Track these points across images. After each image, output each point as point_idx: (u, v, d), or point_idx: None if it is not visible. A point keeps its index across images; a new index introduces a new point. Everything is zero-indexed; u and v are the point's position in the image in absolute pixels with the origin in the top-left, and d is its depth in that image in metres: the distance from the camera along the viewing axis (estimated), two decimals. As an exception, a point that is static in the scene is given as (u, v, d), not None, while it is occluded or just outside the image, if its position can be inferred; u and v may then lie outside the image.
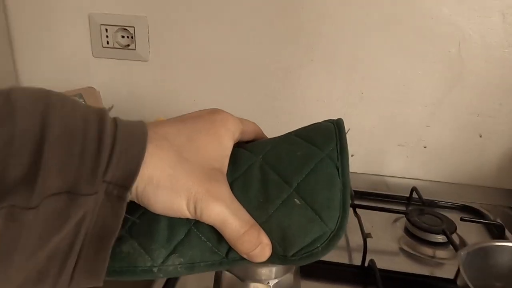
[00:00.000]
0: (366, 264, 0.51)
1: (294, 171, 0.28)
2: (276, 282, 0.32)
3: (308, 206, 0.27)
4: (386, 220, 0.66)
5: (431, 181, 0.78)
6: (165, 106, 0.81)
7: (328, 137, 0.30)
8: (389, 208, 0.65)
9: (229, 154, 0.29)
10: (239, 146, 0.31)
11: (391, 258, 0.58)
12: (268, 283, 0.32)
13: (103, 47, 0.77)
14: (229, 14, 0.73)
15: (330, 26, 0.71)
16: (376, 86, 0.73)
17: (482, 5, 0.66)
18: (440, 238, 0.59)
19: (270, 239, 0.27)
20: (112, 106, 0.77)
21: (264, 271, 0.32)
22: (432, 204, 0.69)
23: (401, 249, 0.59)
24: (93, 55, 0.79)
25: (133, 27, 0.75)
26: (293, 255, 0.26)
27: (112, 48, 0.77)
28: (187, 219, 0.26)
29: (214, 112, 0.29)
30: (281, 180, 0.28)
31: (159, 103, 0.81)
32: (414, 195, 0.70)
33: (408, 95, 0.73)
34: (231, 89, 0.78)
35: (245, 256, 0.26)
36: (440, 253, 0.58)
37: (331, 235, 0.26)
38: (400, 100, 0.74)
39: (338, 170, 0.28)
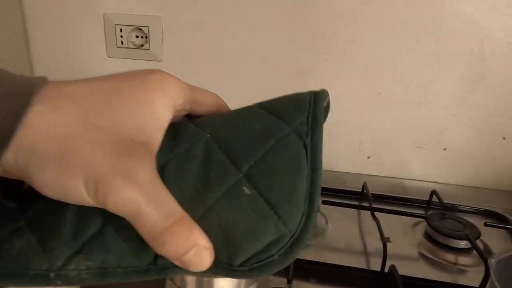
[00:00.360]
0: (386, 270, 0.49)
1: (247, 150, 0.22)
2: None
3: (261, 197, 0.20)
4: (405, 225, 0.63)
5: (451, 184, 0.75)
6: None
7: (299, 108, 0.24)
8: (409, 212, 0.63)
9: (164, 126, 0.22)
10: (190, 120, 0.25)
11: (411, 263, 0.55)
12: None
13: (117, 47, 0.77)
14: (244, 14, 0.72)
15: (346, 26, 0.69)
16: (393, 87, 0.72)
17: (506, 2, 0.63)
18: (463, 244, 0.56)
19: (210, 241, 0.20)
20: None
21: (222, 284, 0.24)
22: (453, 208, 0.67)
23: (421, 255, 0.57)
24: (107, 55, 0.79)
25: (147, 27, 0.75)
26: (240, 265, 0.20)
27: (127, 48, 0.77)
28: (102, 209, 0.19)
29: (150, 71, 0.23)
30: (229, 161, 0.21)
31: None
32: (434, 199, 0.68)
33: (427, 96, 0.71)
34: (246, 90, 0.77)
35: (176, 263, 0.19)
36: (463, 259, 0.56)
37: (292, 239, 0.20)
38: (419, 101, 0.72)
39: (306, 149, 0.22)
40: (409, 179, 0.76)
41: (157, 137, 0.21)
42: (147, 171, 0.19)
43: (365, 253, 0.57)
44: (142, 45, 0.77)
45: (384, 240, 0.52)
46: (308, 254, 0.52)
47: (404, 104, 0.72)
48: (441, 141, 0.73)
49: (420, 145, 0.74)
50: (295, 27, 0.71)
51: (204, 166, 0.21)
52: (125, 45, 0.77)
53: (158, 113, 0.21)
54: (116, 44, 0.77)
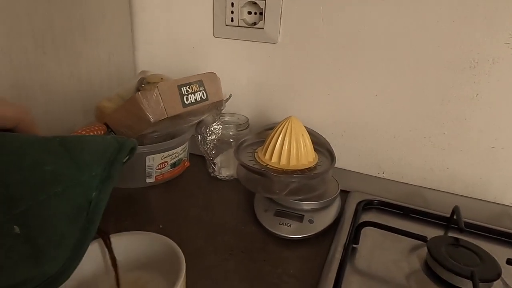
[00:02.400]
0: None
1: (28, 188, 0.21)
2: None
3: (31, 238, 0.20)
4: (404, 247, 0.49)
5: None
6: (293, 99, 0.66)
7: (100, 157, 0.23)
8: (407, 232, 0.47)
9: None
10: None
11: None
12: None
13: (226, 25, 0.66)
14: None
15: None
16: None
17: None
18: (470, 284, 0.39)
19: None
20: (230, 96, 0.66)
21: None
22: (473, 227, 0.52)
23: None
24: (213, 35, 0.68)
25: (264, 0, 0.61)
26: None
27: (237, 26, 0.65)
28: None
29: None
30: (5, 196, 0.20)
31: (287, 95, 0.66)
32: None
33: None
34: (386, 85, 0.59)
35: None
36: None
37: (49, 279, 0.20)
38: None
39: (90, 203, 0.22)
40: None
41: None
42: None
43: None
44: (255, 24, 0.64)
45: None
46: None
47: None
48: None
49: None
50: (470, 3, 0.50)
51: None
52: (235, 22, 0.65)
53: None
54: (225, 22, 0.66)
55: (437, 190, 0.60)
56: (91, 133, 0.48)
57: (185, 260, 0.45)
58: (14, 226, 0.20)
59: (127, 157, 0.25)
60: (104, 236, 0.29)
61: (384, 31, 0.56)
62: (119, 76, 0.73)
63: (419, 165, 0.61)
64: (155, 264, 0.30)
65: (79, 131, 0.48)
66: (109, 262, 0.29)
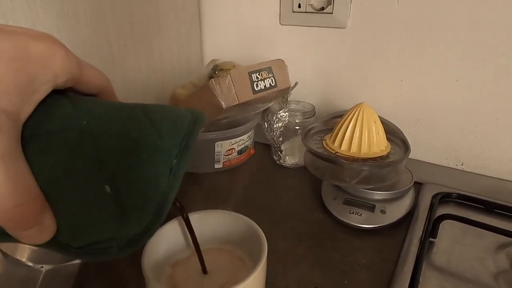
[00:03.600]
0: None
1: (117, 153, 0.22)
2: (53, 268, 0.25)
3: (119, 199, 0.21)
4: (488, 244, 0.45)
5: None
6: (362, 86, 0.64)
7: (177, 128, 0.24)
8: (495, 227, 0.42)
9: (37, 100, 0.21)
10: (66, 95, 0.24)
11: None
12: (42, 267, 0.25)
13: (293, 11, 0.65)
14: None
15: None
16: None
17: None
18: None
19: (56, 222, 0.20)
20: (296, 83, 0.65)
21: (40, 254, 0.24)
22: None
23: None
24: (280, 23, 0.68)
25: (334, -16, 0.60)
26: (79, 247, 0.21)
27: (304, 12, 0.64)
28: None
29: (38, 36, 0.20)
30: (97, 159, 0.21)
31: (355, 82, 0.64)
32: None
33: None
34: (468, 69, 0.54)
35: (11, 233, 0.19)
36: None
37: (135, 237, 0.21)
38: None
39: (171, 170, 0.23)
40: None
41: (27, 108, 0.20)
42: (7, 141, 0.18)
43: None
44: (323, 8, 0.62)
45: None
46: None
47: None
48: None
49: None
50: None
51: (72, 155, 0.21)
52: (302, 9, 0.64)
53: (34, 86, 0.20)
54: (292, 9, 0.65)
55: (528, 185, 0.54)
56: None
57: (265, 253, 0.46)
58: (105, 186, 0.21)
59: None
60: (181, 209, 0.30)
61: (466, 10, 0.51)
62: (188, 66, 0.76)
63: (506, 157, 0.55)
64: (236, 240, 0.31)
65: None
66: (189, 236, 0.30)
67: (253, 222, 0.31)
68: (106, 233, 0.21)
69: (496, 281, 0.40)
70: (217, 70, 0.55)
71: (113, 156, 0.22)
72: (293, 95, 0.67)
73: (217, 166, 0.63)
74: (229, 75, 0.48)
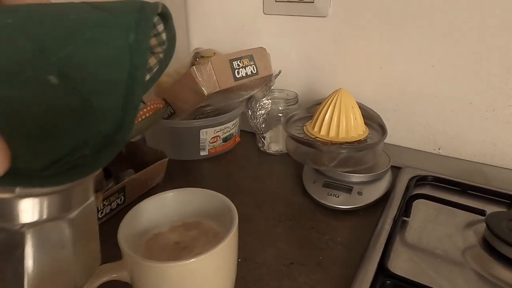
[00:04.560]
0: None
1: (58, 39, 0.18)
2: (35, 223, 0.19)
3: (73, 89, 0.17)
4: (460, 222, 0.47)
5: None
6: (343, 73, 0.65)
7: (129, 6, 0.20)
8: (464, 205, 0.45)
9: None
10: None
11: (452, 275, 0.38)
12: (22, 226, 0.19)
13: (276, 1, 0.66)
14: None
15: None
16: None
17: None
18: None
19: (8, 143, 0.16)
20: (279, 72, 0.67)
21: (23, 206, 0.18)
22: None
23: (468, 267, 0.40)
24: (264, 12, 0.69)
25: (314, -27, 0.61)
26: (45, 168, 0.17)
27: (286, 2, 0.65)
28: None
29: None
30: (34, 47, 0.17)
31: (337, 69, 0.66)
32: None
33: None
34: (444, 54, 0.56)
35: None
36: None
37: (108, 135, 0.18)
38: None
39: (130, 45, 0.19)
40: None
41: None
42: None
43: None
44: (305, -2, 0.64)
45: None
46: None
47: None
48: None
49: None
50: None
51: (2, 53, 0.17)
52: (285, -2, 0.65)
53: None
54: (275, -2, 0.66)
55: (501, 167, 0.56)
56: (150, 107, 0.52)
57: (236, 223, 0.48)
58: (50, 77, 0.17)
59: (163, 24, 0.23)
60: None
61: (444, -3, 0.53)
62: (176, 57, 0.76)
63: (480, 141, 0.57)
64: (211, 215, 0.33)
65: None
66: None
67: (226, 198, 0.33)
68: (71, 137, 0.18)
69: (463, 255, 0.42)
70: (198, 58, 0.56)
71: (52, 42, 0.18)
72: (277, 84, 0.68)
73: (202, 153, 0.65)
74: (210, 62, 0.49)
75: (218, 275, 0.28)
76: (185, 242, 0.30)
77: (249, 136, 0.73)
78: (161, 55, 0.23)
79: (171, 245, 0.30)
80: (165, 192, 0.34)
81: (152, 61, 0.24)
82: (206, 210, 0.33)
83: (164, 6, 0.22)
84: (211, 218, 0.33)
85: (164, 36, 0.23)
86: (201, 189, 0.34)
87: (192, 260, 0.25)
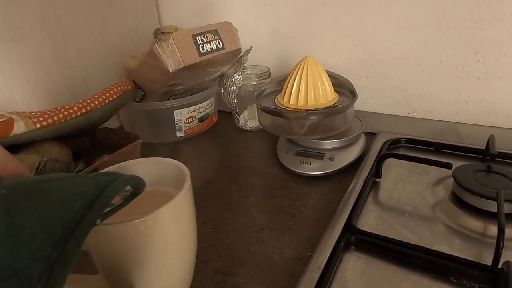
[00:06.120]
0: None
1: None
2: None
3: None
4: (430, 179, 0.47)
5: None
6: (314, 43, 0.65)
7: (56, 222, 0.17)
8: (430, 160, 0.45)
9: None
10: None
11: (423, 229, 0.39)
12: None
13: (242, -24, 0.66)
14: None
15: None
16: None
17: None
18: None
19: None
20: (251, 48, 0.66)
21: None
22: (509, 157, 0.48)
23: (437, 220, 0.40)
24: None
25: None
26: None
27: (252, -24, 0.65)
28: None
29: None
30: None
31: (307, 40, 0.65)
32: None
33: None
34: (410, 15, 0.55)
35: None
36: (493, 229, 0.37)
37: None
38: None
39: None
40: None
41: None
42: None
43: None
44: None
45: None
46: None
47: None
48: None
49: None
50: None
51: None
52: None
53: None
54: (241, -27, 0.65)
55: (473, 124, 0.56)
56: (119, 88, 0.52)
57: (210, 196, 0.48)
58: None
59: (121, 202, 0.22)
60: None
61: (405, -45, 0.52)
62: (148, 39, 0.76)
63: (452, 99, 0.57)
64: (168, 181, 0.33)
65: (108, 88, 0.52)
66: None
67: (179, 162, 0.33)
68: None
69: (433, 210, 0.42)
70: (158, 34, 0.56)
71: None
72: (250, 60, 0.68)
73: (179, 134, 0.65)
74: (171, 38, 0.49)
75: (171, 237, 0.29)
76: (142, 207, 0.31)
77: (227, 115, 0.73)
78: (127, 194, 0.22)
79: (128, 208, 0.31)
80: (119, 163, 0.34)
81: (116, 199, 0.22)
82: (164, 177, 0.34)
83: (135, 183, 0.22)
84: (169, 184, 0.34)
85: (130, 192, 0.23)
86: (155, 157, 0.34)
87: (138, 220, 0.26)
